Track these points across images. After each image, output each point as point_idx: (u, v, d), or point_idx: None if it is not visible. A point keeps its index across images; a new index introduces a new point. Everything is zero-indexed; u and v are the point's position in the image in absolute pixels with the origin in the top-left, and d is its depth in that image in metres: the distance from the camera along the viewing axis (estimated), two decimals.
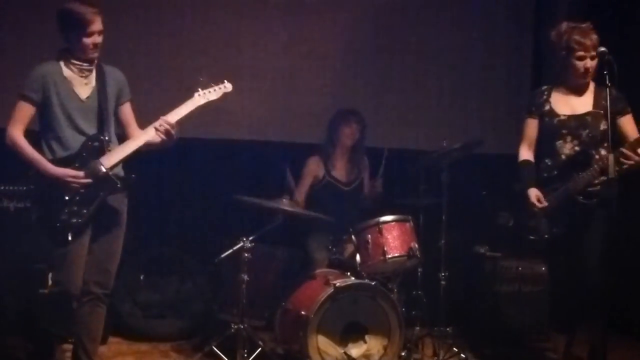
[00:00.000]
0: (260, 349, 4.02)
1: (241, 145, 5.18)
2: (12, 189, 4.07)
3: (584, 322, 3.81)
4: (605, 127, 3.61)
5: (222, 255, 4.04)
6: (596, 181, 3.61)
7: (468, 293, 4.95)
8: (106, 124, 3.44)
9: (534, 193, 3.74)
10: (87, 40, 3.34)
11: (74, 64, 3.41)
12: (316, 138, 4.87)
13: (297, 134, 5.20)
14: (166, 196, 5.08)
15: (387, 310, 3.98)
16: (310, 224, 4.55)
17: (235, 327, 3.99)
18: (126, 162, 3.50)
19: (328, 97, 5.22)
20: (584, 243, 3.66)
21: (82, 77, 3.43)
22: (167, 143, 3.45)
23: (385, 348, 3.98)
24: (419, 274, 4.43)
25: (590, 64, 3.65)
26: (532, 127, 3.86)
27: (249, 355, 3.97)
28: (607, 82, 3.43)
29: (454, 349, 4.25)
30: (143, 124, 3.51)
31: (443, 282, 4.27)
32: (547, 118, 3.80)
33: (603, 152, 3.65)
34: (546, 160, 3.81)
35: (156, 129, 3.40)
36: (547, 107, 3.82)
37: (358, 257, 4.15)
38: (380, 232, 4.13)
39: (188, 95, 3.50)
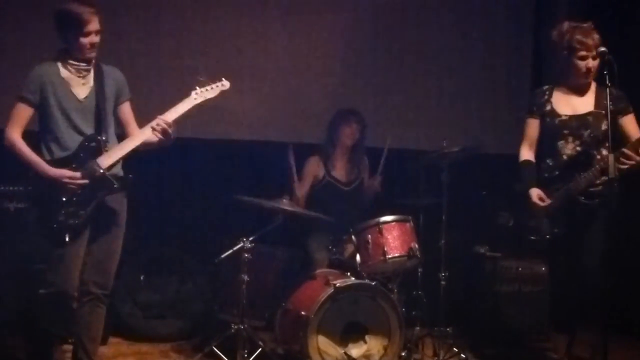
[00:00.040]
0: (260, 349, 4.02)
1: (241, 145, 5.18)
2: (12, 190, 4.08)
3: (585, 322, 3.80)
4: (607, 127, 3.60)
5: (222, 256, 4.04)
6: (598, 181, 3.60)
7: (468, 293, 4.96)
8: (104, 124, 3.43)
9: (535, 192, 3.73)
10: (85, 40, 3.34)
11: (71, 64, 3.41)
12: (316, 138, 4.87)
13: (297, 134, 5.20)
14: (166, 196, 5.08)
15: (387, 311, 3.97)
16: (311, 224, 4.55)
17: (236, 327, 3.99)
18: (126, 162, 3.50)
19: (328, 97, 5.21)
20: (585, 243, 3.66)
21: (79, 77, 3.43)
22: (164, 142, 3.44)
23: (385, 348, 3.98)
24: (419, 274, 4.43)
25: (592, 63, 3.65)
26: (533, 127, 3.86)
27: (249, 356, 3.97)
28: (607, 82, 3.43)
29: (454, 349, 4.25)
30: (143, 124, 3.50)
31: (443, 282, 4.28)
32: (549, 118, 3.79)
33: (604, 152, 3.65)
34: (547, 161, 3.81)
35: (153, 129, 3.40)
36: (548, 107, 3.81)
37: (358, 257, 4.15)
38: (380, 232, 4.13)
39: (186, 93, 3.50)
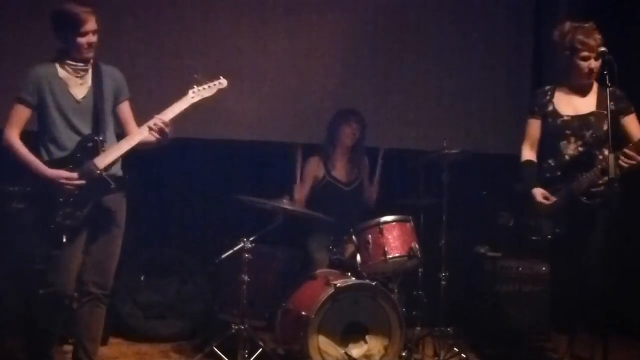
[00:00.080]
0: (260, 349, 4.02)
1: (241, 145, 5.18)
2: (13, 190, 4.07)
3: (585, 322, 3.80)
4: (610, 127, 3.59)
5: (223, 256, 4.04)
6: (600, 182, 3.59)
7: (468, 293, 4.96)
8: (102, 124, 3.43)
9: (539, 192, 3.72)
10: (82, 40, 3.34)
11: (69, 65, 3.41)
12: (316, 138, 4.88)
13: (297, 134, 5.20)
14: (166, 196, 5.09)
15: (387, 311, 3.97)
16: (311, 224, 4.55)
17: (236, 327, 3.99)
18: (125, 161, 3.50)
19: (328, 97, 5.21)
20: (586, 243, 3.66)
21: (77, 77, 3.42)
22: (161, 142, 3.44)
23: (385, 348, 3.98)
24: (420, 274, 4.43)
25: (594, 64, 3.64)
26: (534, 127, 3.85)
27: (250, 356, 3.97)
28: (607, 81, 3.43)
29: (455, 349, 4.26)
30: (143, 124, 3.48)
31: (443, 282, 4.28)
32: (550, 118, 3.78)
33: (607, 152, 3.63)
34: (549, 161, 3.80)
35: (150, 128, 3.39)
36: (550, 108, 3.80)
37: (358, 258, 4.15)
38: (380, 232, 4.13)
39: (183, 92, 3.49)
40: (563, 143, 3.74)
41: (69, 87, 3.40)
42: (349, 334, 3.95)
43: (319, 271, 4.27)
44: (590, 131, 3.69)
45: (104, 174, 3.36)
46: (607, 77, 3.42)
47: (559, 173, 3.74)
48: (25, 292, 4.06)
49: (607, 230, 3.57)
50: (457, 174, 4.39)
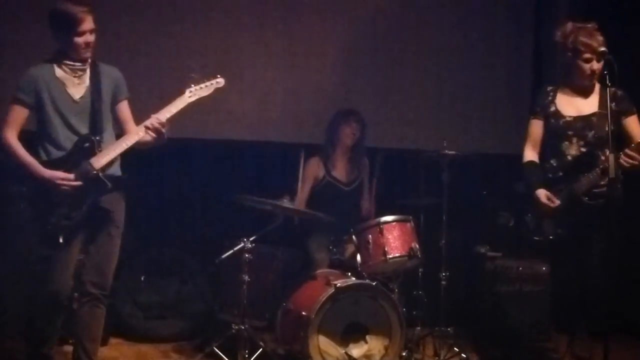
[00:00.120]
0: (261, 349, 4.02)
1: (241, 146, 5.18)
2: (13, 190, 4.06)
3: (585, 322, 3.80)
4: (612, 127, 3.58)
5: (223, 256, 4.04)
6: (602, 182, 3.58)
7: (469, 293, 4.96)
8: (99, 124, 3.42)
9: (543, 193, 3.70)
10: (79, 40, 3.33)
11: (66, 65, 3.40)
12: (316, 138, 4.87)
13: (297, 134, 5.20)
14: (166, 196, 5.08)
15: (388, 311, 3.97)
16: (311, 224, 4.55)
17: (236, 327, 3.99)
18: (125, 161, 3.49)
19: (328, 97, 5.21)
20: (589, 244, 3.65)
21: (75, 77, 3.42)
22: (158, 141, 3.43)
23: (386, 348, 3.98)
24: (420, 274, 4.44)
25: (597, 66, 3.62)
26: (537, 127, 3.83)
27: (250, 356, 3.97)
28: (607, 82, 3.43)
29: (455, 349, 4.26)
30: (141, 124, 3.49)
31: (444, 282, 4.28)
32: (553, 119, 3.77)
33: (608, 152, 3.63)
34: (551, 161, 3.79)
35: (147, 127, 3.39)
36: (552, 108, 3.79)
37: (359, 258, 4.14)
38: (381, 232, 4.13)
39: (180, 92, 3.49)
40: (565, 144, 3.73)
41: (66, 87, 3.40)
42: (349, 334, 3.95)
43: (319, 271, 4.27)
44: (593, 132, 3.68)
45: (100, 174, 3.36)
46: (607, 77, 3.42)
47: (561, 173, 3.73)
48: (25, 292, 4.06)
49: (608, 230, 3.56)
50: (457, 174, 4.39)
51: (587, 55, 3.62)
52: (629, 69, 3.54)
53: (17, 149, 3.35)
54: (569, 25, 3.69)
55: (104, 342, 4.07)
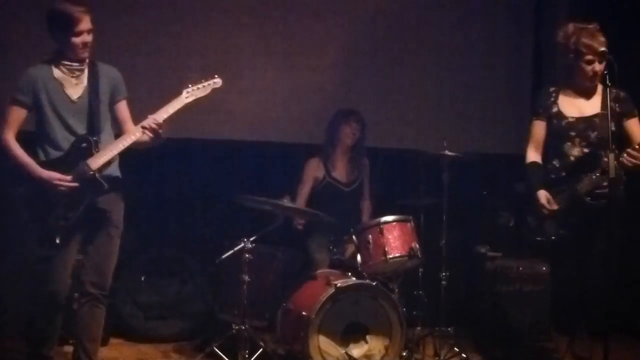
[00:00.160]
0: (261, 349, 4.02)
1: (242, 146, 5.18)
2: (13, 190, 4.06)
3: (586, 322, 3.80)
4: (613, 128, 3.58)
5: (223, 256, 4.04)
6: (604, 183, 3.57)
7: (469, 293, 4.96)
8: (97, 124, 3.42)
9: (543, 195, 3.70)
10: (77, 40, 3.33)
11: (64, 65, 3.40)
12: (316, 138, 4.87)
13: (297, 134, 5.20)
14: (166, 196, 5.08)
15: (388, 311, 3.97)
16: (311, 224, 4.55)
17: (237, 327, 3.99)
18: (125, 161, 3.49)
19: (328, 97, 5.21)
20: (591, 244, 3.65)
21: (73, 77, 3.42)
22: (155, 142, 3.43)
23: (386, 348, 3.98)
24: (420, 274, 4.43)
25: (599, 67, 3.62)
26: (539, 128, 3.83)
27: (250, 356, 3.97)
28: (608, 82, 3.42)
29: (455, 349, 4.26)
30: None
31: (444, 282, 4.28)
32: (555, 120, 3.77)
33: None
34: (554, 162, 3.79)
35: (144, 128, 3.38)
36: (554, 109, 3.78)
37: (359, 258, 4.14)
38: (381, 232, 4.12)
39: (177, 92, 3.48)
40: (568, 144, 3.73)
41: (64, 88, 3.40)
42: (349, 334, 3.94)
43: (319, 271, 4.27)
44: (595, 132, 3.68)
45: (97, 174, 3.36)
46: (607, 77, 3.42)
47: (563, 174, 3.73)
48: (25, 292, 4.05)
49: (608, 231, 3.56)
50: (457, 174, 4.39)
51: (589, 57, 3.61)
52: (629, 69, 3.54)
53: (15, 149, 3.36)
54: (571, 26, 3.67)
55: (104, 342, 4.07)
